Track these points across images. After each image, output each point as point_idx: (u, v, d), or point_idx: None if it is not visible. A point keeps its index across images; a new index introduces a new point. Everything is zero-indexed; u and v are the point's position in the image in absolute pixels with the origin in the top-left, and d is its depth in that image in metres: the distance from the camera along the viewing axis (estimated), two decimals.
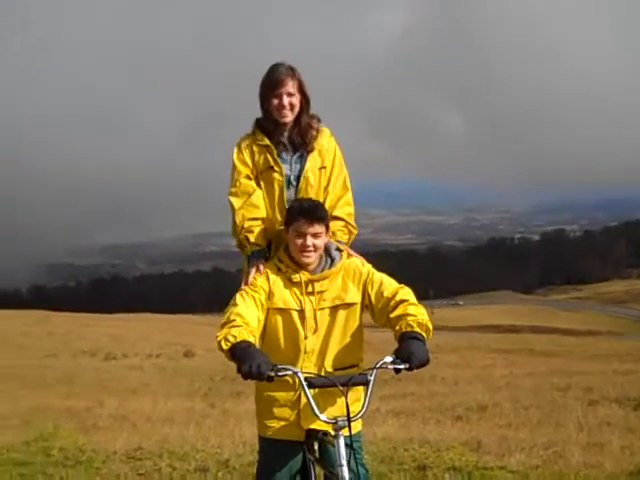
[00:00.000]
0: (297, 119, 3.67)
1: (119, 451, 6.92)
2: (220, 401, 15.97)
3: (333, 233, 3.69)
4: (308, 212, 3.40)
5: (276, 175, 3.66)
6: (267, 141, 3.67)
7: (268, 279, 3.47)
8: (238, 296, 3.41)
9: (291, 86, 3.60)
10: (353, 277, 3.50)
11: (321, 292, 3.44)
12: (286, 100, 3.60)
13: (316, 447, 3.42)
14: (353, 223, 3.82)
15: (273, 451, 3.48)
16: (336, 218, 3.74)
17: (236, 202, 3.66)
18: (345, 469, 2.98)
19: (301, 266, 3.45)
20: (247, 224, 3.63)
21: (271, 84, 3.60)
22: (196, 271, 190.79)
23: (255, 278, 3.48)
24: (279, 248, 3.63)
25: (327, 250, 3.52)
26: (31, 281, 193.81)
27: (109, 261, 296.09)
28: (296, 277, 3.44)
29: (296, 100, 3.63)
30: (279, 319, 3.44)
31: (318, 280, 3.45)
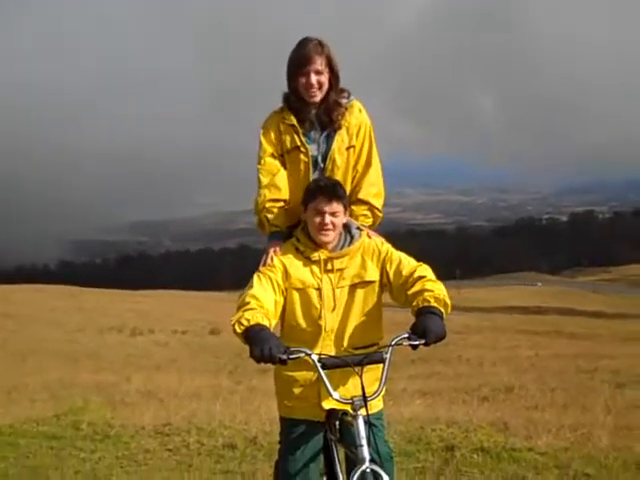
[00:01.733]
0: (325, 97, 3.56)
1: (147, 426, 6.98)
2: (246, 378, 16.09)
3: (356, 218, 3.63)
4: (326, 190, 3.35)
5: (302, 156, 3.60)
6: (294, 120, 3.58)
7: (285, 259, 3.44)
8: (255, 278, 3.38)
9: (319, 63, 3.48)
10: (372, 255, 3.46)
11: (340, 270, 3.40)
12: (314, 78, 3.49)
13: (337, 427, 3.38)
14: (379, 206, 3.73)
15: (294, 431, 3.46)
16: (360, 201, 3.67)
17: (260, 181, 3.63)
18: (365, 449, 2.95)
19: (319, 245, 3.41)
20: (268, 204, 3.59)
21: (299, 61, 3.49)
22: (222, 248, 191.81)
23: (272, 259, 3.45)
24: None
25: (347, 228, 3.48)
26: (59, 257, 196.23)
27: (136, 238, 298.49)
28: (315, 255, 3.40)
29: (324, 78, 3.52)
30: (297, 298, 3.40)
31: (337, 257, 3.40)
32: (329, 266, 3.38)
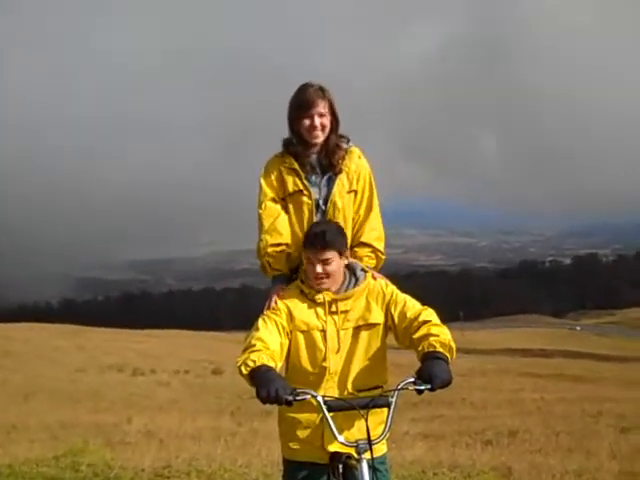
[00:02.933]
0: (326, 140, 3.60)
1: (147, 468, 6.91)
2: (248, 420, 15.96)
3: (360, 259, 3.64)
4: (315, 239, 3.35)
5: (305, 199, 3.62)
6: (295, 164, 3.62)
7: (289, 302, 3.44)
8: (260, 321, 3.39)
9: (322, 107, 3.54)
10: (377, 297, 3.46)
11: (345, 312, 3.40)
12: (317, 121, 3.54)
13: (340, 470, 3.36)
14: (381, 249, 3.75)
15: (298, 474, 3.44)
16: (362, 244, 3.69)
17: (262, 225, 3.65)
18: None
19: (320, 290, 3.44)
20: (270, 249, 3.60)
21: (302, 105, 3.54)
22: (224, 288, 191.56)
23: (276, 302, 3.46)
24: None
25: (352, 269, 3.49)
26: (61, 294, 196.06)
27: (138, 276, 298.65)
28: (319, 297, 3.40)
29: (327, 121, 3.57)
30: (302, 340, 3.40)
31: (342, 299, 3.41)
32: (333, 308, 3.39)
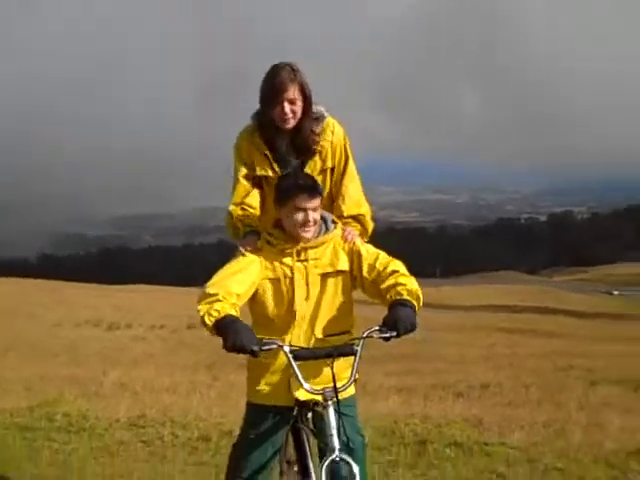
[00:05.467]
0: (298, 124, 3.57)
1: (122, 419, 6.95)
2: (224, 373, 16.06)
3: (346, 224, 3.68)
4: (308, 187, 3.38)
5: (275, 182, 3.62)
6: (266, 148, 3.61)
7: (258, 250, 3.47)
8: (225, 267, 3.41)
9: (292, 92, 3.48)
10: (345, 246, 3.50)
11: (314, 259, 3.43)
12: (288, 108, 3.50)
13: (310, 417, 3.43)
14: (367, 223, 3.79)
15: (261, 416, 3.48)
16: (347, 217, 3.71)
17: (233, 198, 3.67)
18: (335, 438, 3.00)
19: (295, 241, 3.44)
20: (241, 212, 3.64)
21: (272, 91, 3.48)
22: (201, 244, 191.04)
23: (245, 248, 3.48)
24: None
25: (323, 219, 3.51)
26: (40, 250, 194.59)
27: (117, 232, 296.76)
28: (287, 246, 3.43)
29: (297, 107, 3.53)
30: (269, 288, 3.42)
31: (311, 247, 3.43)
32: (302, 256, 3.42)
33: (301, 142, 3.61)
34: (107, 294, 55.10)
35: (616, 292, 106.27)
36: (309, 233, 3.40)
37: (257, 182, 3.70)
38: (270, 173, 3.63)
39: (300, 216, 3.35)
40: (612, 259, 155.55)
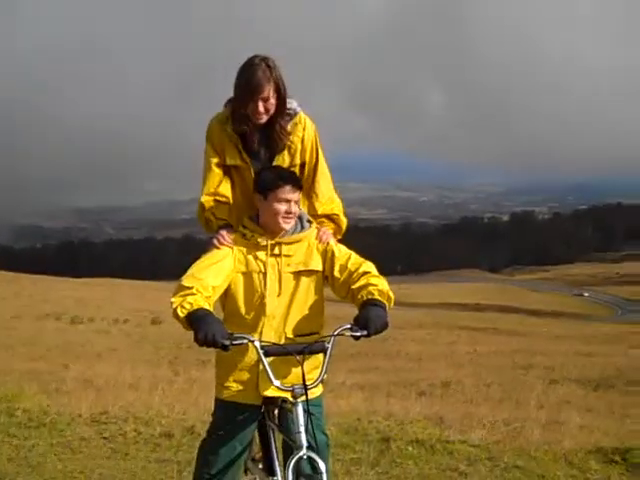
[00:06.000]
0: (271, 120, 3.56)
1: (84, 414, 6.88)
2: (186, 369, 16.01)
3: (321, 223, 3.70)
4: (291, 179, 3.41)
5: (245, 172, 3.64)
6: (237, 139, 3.60)
7: (232, 244, 3.46)
8: (199, 260, 3.41)
9: (267, 91, 3.47)
10: (318, 246, 3.52)
11: (288, 256, 3.44)
12: (262, 107, 3.49)
13: (276, 413, 3.43)
14: (341, 221, 3.79)
15: (230, 413, 3.46)
16: (324, 216, 3.73)
17: (205, 187, 3.64)
18: (303, 436, 3.02)
19: (272, 233, 3.45)
20: (213, 204, 3.63)
21: (247, 90, 3.46)
22: (165, 238, 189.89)
23: (220, 242, 3.47)
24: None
25: (299, 217, 3.53)
26: None
27: (78, 224, 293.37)
28: (262, 240, 3.44)
29: (271, 104, 3.51)
30: (241, 282, 3.42)
31: (286, 243, 3.45)
32: (276, 250, 3.42)
33: (271, 137, 3.60)
34: (69, 287, 54.47)
35: (587, 294, 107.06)
36: (288, 225, 3.42)
37: (226, 171, 3.68)
38: (240, 163, 3.62)
39: (283, 207, 3.37)
40: (572, 259, 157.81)
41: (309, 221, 3.58)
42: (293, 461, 2.97)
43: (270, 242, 3.42)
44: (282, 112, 3.58)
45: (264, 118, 3.54)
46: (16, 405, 7.17)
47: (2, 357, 17.40)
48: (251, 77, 3.45)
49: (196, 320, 3.05)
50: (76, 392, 9.32)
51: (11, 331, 26.47)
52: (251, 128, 3.58)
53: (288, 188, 3.37)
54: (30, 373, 13.11)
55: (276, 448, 3.49)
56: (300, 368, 3.08)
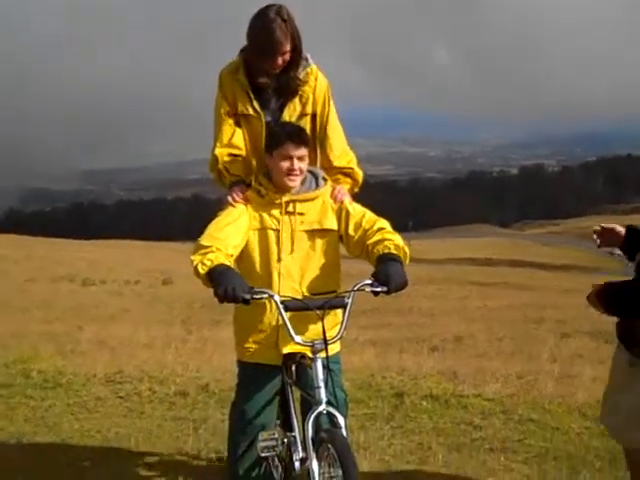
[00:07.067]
0: (284, 69, 3.54)
1: (99, 374, 6.95)
2: (199, 328, 16.08)
3: (337, 180, 3.69)
4: (294, 135, 3.39)
5: (255, 121, 3.62)
6: (249, 86, 3.57)
7: (247, 201, 3.46)
8: (216, 219, 3.40)
9: (286, 45, 3.44)
10: (333, 205, 3.51)
11: (302, 214, 3.43)
12: (280, 60, 3.47)
13: (294, 370, 3.45)
14: (357, 174, 3.79)
15: (252, 375, 3.51)
16: (339, 172, 3.72)
17: (218, 138, 3.63)
18: (322, 391, 3.03)
19: (282, 190, 3.43)
20: (227, 158, 3.62)
21: (266, 46, 3.41)
22: (176, 198, 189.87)
23: (234, 199, 3.46)
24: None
25: (314, 174, 3.52)
26: (7, 206, 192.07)
27: (87, 187, 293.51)
28: (276, 197, 3.43)
29: (287, 56, 3.49)
30: (255, 239, 3.42)
31: (301, 201, 3.44)
32: (290, 208, 3.41)
33: (284, 85, 3.58)
34: (80, 249, 54.62)
35: (617, 252, 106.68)
36: (294, 182, 3.40)
37: (236, 121, 3.67)
38: (251, 112, 3.60)
39: (286, 164, 3.35)
40: (583, 212, 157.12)
41: (324, 179, 3.56)
42: (312, 416, 2.98)
43: (285, 200, 3.40)
44: (297, 61, 3.55)
45: (279, 69, 3.52)
46: (32, 366, 7.25)
47: (18, 320, 17.50)
48: (270, 35, 3.39)
49: (217, 275, 3.05)
50: (91, 353, 9.41)
51: (25, 294, 26.60)
52: (264, 75, 3.55)
53: (291, 144, 3.35)
54: (45, 335, 13.19)
55: (294, 403, 3.51)
56: (318, 324, 3.08)
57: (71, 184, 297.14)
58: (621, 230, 3.45)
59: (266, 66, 3.50)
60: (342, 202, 3.52)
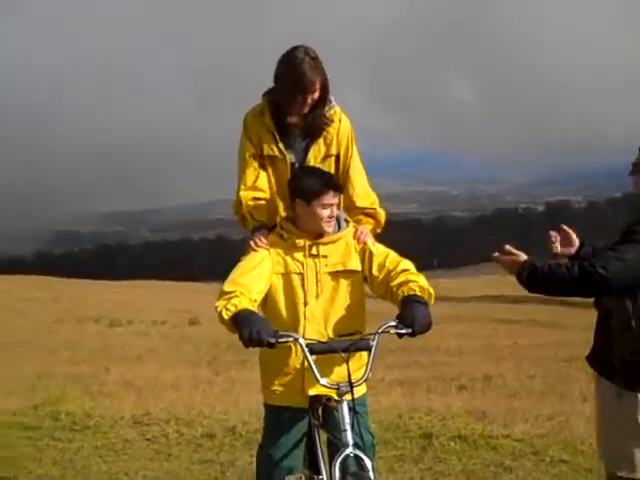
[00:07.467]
0: (311, 109, 3.55)
1: (126, 416, 6.96)
2: (225, 369, 16.07)
3: (359, 221, 3.71)
4: (332, 184, 3.44)
5: (280, 163, 3.64)
6: (274, 128, 3.59)
7: (270, 246, 3.47)
8: (238, 265, 3.41)
9: (316, 83, 3.47)
10: (356, 246, 3.51)
11: (325, 256, 3.43)
12: (310, 99, 3.50)
13: (320, 412, 3.41)
14: (379, 214, 3.81)
15: (278, 418, 3.49)
16: (361, 213, 3.74)
17: (242, 181, 3.65)
18: (349, 434, 3.00)
19: (311, 235, 3.45)
20: (251, 202, 3.63)
21: (299, 86, 3.43)
22: (200, 238, 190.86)
23: (257, 244, 3.47)
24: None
25: (337, 217, 3.53)
26: (35, 247, 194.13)
27: (113, 228, 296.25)
28: (299, 241, 3.44)
29: (317, 94, 3.51)
30: (280, 284, 3.42)
31: (324, 244, 3.45)
32: (314, 251, 3.42)
33: (311, 123, 3.60)
34: (107, 290, 54.97)
35: None
36: (331, 227, 3.45)
37: (261, 163, 3.68)
38: (276, 153, 3.62)
39: (326, 212, 3.39)
40: None
41: (346, 220, 3.59)
42: (340, 459, 2.95)
43: (308, 243, 3.41)
44: (324, 100, 3.58)
45: (307, 109, 3.54)
46: (60, 408, 7.28)
47: (45, 361, 17.61)
48: (302, 75, 3.42)
49: (241, 320, 3.04)
50: (118, 394, 9.44)
51: (53, 335, 26.80)
52: (291, 114, 3.58)
53: (332, 194, 3.38)
54: (72, 376, 13.26)
55: (321, 446, 3.48)
56: (344, 367, 3.06)
57: (98, 226, 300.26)
58: (574, 237, 3.72)
59: (296, 105, 3.51)
60: (365, 243, 3.53)
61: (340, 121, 3.67)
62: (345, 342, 3.16)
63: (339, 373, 3.25)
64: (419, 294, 3.22)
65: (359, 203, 3.72)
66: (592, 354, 3.64)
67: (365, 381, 3.18)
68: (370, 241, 3.56)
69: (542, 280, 3.34)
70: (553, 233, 3.73)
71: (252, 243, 3.48)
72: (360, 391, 3.36)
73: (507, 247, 3.64)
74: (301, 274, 3.41)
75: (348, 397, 3.04)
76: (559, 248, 3.72)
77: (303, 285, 3.40)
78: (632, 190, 3.67)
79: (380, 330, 3.09)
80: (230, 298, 3.17)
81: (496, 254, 3.70)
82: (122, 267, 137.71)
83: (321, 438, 3.48)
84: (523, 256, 3.56)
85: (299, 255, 3.43)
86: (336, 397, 3.09)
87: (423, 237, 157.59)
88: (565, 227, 3.71)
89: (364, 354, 3.28)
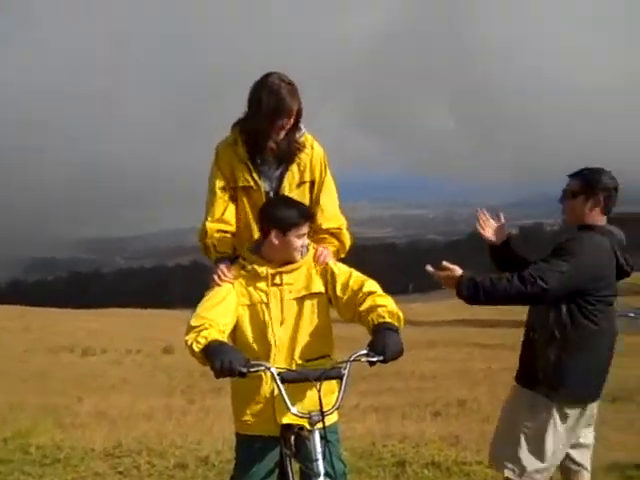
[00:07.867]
0: (284, 136, 3.59)
1: (97, 448, 6.87)
2: (199, 397, 15.94)
3: (323, 240, 3.76)
4: (309, 216, 3.51)
5: (255, 193, 3.66)
6: (247, 158, 3.62)
7: (233, 278, 3.49)
8: (203, 300, 3.42)
9: (294, 107, 3.51)
10: (317, 268, 3.54)
11: (289, 284, 3.46)
12: (287, 125, 3.55)
13: (292, 441, 3.42)
14: (344, 236, 3.83)
15: (250, 447, 3.49)
16: (327, 233, 3.77)
17: (210, 212, 3.67)
18: (320, 463, 3.02)
19: (277, 263, 3.47)
20: (216, 235, 3.65)
21: (278, 111, 3.46)
22: (175, 265, 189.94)
23: (220, 277, 3.48)
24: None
25: None
26: (9, 276, 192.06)
27: (88, 256, 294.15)
28: (262, 271, 3.45)
29: (293, 119, 3.56)
30: (246, 315, 3.45)
31: (286, 272, 3.47)
32: (277, 280, 3.45)
33: (285, 149, 3.62)
34: (80, 318, 54.36)
35: (632, 314, 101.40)
36: (299, 256, 3.49)
37: (232, 195, 3.70)
38: (251, 183, 3.64)
39: (300, 241, 3.44)
40: None
41: (308, 246, 3.60)
42: None
43: (270, 272, 3.44)
44: (296, 127, 3.62)
45: (282, 135, 3.58)
46: (30, 441, 7.16)
47: (16, 392, 17.34)
48: (281, 100, 3.46)
49: (212, 351, 3.06)
50: (90, 425, 9.31)
51: (23, 365, 26.41)
52: (266, 142, 3.60)
53: (305, 224, 3.44)
54: (44, 407, 13.06)
55: (293, 475, 3.48)
56: (315, 394, 3.07)
57: (74, 252, 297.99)
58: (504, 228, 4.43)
59: (275, 130, 3.54)
60: (326, 263, 3.56)
61: (312, 148, 3.71)
62: (317, 370, 3.16)
63: (311, 398, 3.27)
64: (389, 320, 3.24)
65: (325, 225, 3.74)
66: (518, 372, 4.02)
67: (337, 409, 3.19)
68: (331, 261, 3.58)
69: (483, 294, 3.71)
70: (481, 214, 4.41)
71: (216, 277, 3.49)
72: (332, 419, 3.38)
73: (444, 263, 3.87)
74: (265, 303, 3.44)
75: (320, 426, 3.06)
76: (484, 233, 4.53)
77: (269, 314, 3.43)
78: (562, 215, 4.02)
79: (352, 358, 3.12)
80: (200, 331, 3.18)
81: (431, 269, 3.87)
82: (96, 295, 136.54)
83: (293, 467, 3.49)
84: (458, 271, 3.83)
85: (262, 285, 3.45)
86: (308, 426, 3.10)
87: (398, 261, 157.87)
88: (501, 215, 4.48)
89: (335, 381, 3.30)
